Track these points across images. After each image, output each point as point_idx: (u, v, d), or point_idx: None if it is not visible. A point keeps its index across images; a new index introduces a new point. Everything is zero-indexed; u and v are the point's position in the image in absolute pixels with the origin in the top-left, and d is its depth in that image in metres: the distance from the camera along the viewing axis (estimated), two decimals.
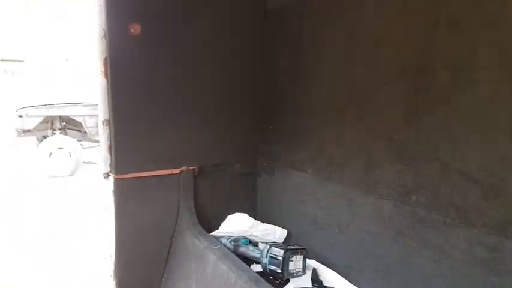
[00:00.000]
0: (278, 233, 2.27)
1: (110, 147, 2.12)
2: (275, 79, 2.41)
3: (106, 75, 2.05)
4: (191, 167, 2.31)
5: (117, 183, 2.13)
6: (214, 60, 2.31)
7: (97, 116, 7.05)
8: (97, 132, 8.16)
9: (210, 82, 2.32)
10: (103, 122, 2.11)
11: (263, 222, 2.34)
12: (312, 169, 2.20)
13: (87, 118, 8.06)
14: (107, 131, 2.11)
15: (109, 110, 2.07)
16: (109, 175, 2.15)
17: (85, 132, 8.16)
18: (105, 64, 2.04)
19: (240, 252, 2.01)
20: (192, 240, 2.11)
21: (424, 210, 1.60)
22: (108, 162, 2.13)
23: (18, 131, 7.91)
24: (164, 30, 2.14)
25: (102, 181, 2.18)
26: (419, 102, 1.59)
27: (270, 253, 1.87)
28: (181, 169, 2.28)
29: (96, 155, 9.56)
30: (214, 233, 2.20)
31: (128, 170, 2.14)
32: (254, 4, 2.39)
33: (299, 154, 2.29)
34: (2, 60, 21.38)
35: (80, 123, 8.06)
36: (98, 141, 8.32)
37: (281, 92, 2.38)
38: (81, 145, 8.22)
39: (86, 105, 8.10)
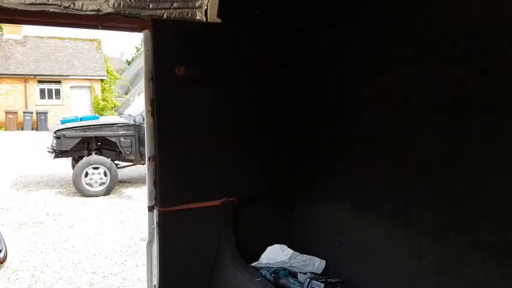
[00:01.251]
0: (317, 264, 2.31)
1: (155, 182, 2.24)
2: (312, 113, 2.48)
3: (152, 114, 2.20)
4: (231, 199, 2.40)
5: (162, 215, 2.24)
6: (253, 97, 2.41)
7: (131, 136, 7.28)
8: (131, 152, 8.46)
9: (248, 119, 2.42)
10: (149, 158, 2.24)
11: (301, 252, 2.39)
12: (348, 200, 2.24)
13: (122, 138, 8.36)
14: (153, 166, 2.24)
15: (155, 147, 2.20)
16: (154, 208, 2.27)
17: (120, 152, 8.45)
18: (151, 104, 2.19)
19: (281, 284, 2.07)
20: (233, 271, 2.19)
21: (463, 248, 1.61)
22: (153, 195, 2.26)
23: (56, 152, 8.30)
24: (206, 72, 2.26)
25: (147, 214, 2.31)
26: (456, 144, 1.62)
27: (311, 286, 1.92)
28: (221, 200, 2.38)
29: (130, 173, 9.88)
30: (254, 264, 2.27)
31: (172, 203, 2.25)
32: (290, 45, 2.47)
33: (335, 185, 2.34)
34: (39, 82, 22.59)
35: (115, 143, 8.36)
36: (132, 161, 8.64)
37: (318, 126, 2.45)
38: (116, 165, 8.52)
39: (120, 126, 8.41)
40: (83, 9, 2.00)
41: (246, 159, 2.43)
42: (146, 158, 2.26)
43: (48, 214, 6.67)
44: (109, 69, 22.65)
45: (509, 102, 1.42)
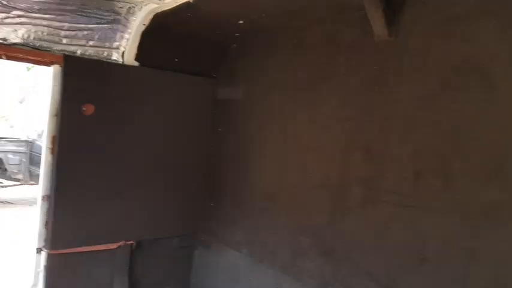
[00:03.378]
0: None
1: (47, 222, 2.11)
2: (220, 161, 2.60)
3: (53, 152, 2.09)
4: (129, 242, 2.36)
5: (50, 258, 2.10)
6: (164, 140, 2.45)
7: (22, 153, 6.58)
8: (20, 171, 7.61)
9: (156, 160, 2.44)
10: (43, 197, 2.11)
11: None
12: (246, 250, 2.37)
13: (9, 155, 7.49)
14: (46, 206, 2.11)
15: (51, 186, 2.09)
16: (42, 250, 2.12)
17: (5, 170, 7.54)
18: (53, 141, 2.09)
19: None
20: None
21: None
22: (43, 237, 2.12)
23: None
24: (116, 112, 2.25)
25: (33, 256, 2.14)
26: (338, 208, 1.87)
27: None
28: (118, 244, 2.32)
29: (15, 194, 8.81)
30: None
31: (64, 245, 2.13)
32: (205, 94, 2.60)
33: (235, 234, 2.45)
34: None
35: (1, 159, 7.45)
36: (19, 180, 7.74)
37: (224, 174, 2.57)
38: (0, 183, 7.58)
39: (10, 141, 7.56)
40: None
41: (150, 203, 2.43)
42: (39, 197, 2.12)
43: None
44: None
45: (380, 182, 1.70)
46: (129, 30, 2.27)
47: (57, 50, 2.10)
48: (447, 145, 1.49)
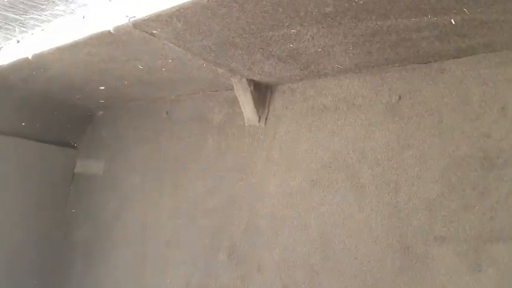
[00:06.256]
0: None
1: None
2: (68, 249, 2.09)
3: None
4: None
5: None
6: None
7: None
8: None
9: None
10: None
11: None
12: None
13: None
14: None
15: None
16: None
17: None
18: None
19: None
20: None
21: None
22: None
23: None
24: None
25: None
26: None
27: None
28: None
29: None
30: None
31: None
32: (59, 166, 2.16)
33: None
34: None
35: None
36: None
37: (70, 266, 2.06)
38: None
39: None
40: None
41: None
42: None
43: None
44: None
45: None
46: None
47: None
48: (315, 254, 1.27)
